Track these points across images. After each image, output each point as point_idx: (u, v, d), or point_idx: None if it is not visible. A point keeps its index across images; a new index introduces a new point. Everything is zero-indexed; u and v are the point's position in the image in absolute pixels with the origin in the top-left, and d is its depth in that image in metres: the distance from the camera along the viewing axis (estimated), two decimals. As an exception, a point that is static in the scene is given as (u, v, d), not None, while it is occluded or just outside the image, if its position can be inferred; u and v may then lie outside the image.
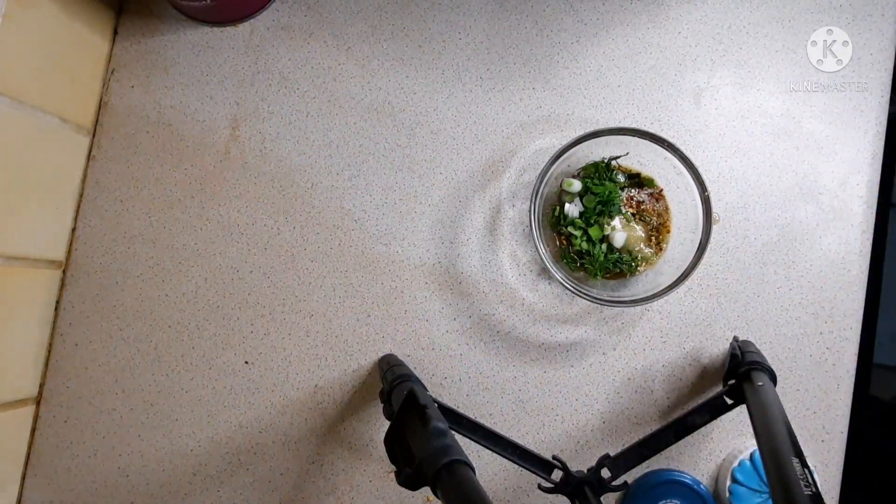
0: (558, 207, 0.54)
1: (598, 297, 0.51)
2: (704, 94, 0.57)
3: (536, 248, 0.51)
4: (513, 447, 0.48)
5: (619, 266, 0.53)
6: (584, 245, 0.53)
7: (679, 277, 0.50)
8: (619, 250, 0.53)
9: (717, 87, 0.57)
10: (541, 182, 0.51)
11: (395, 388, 0.48)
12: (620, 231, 0.53)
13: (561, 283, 0.51)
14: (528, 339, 0.57)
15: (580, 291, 0.51)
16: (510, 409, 0.56)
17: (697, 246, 0.50)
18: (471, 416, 0.48)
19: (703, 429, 0.49)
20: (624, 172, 0.54)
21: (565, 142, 0.51)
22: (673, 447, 0.49)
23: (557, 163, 0.51)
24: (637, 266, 0.53)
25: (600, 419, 0.56)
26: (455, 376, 0.57)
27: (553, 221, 0.55)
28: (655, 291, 0.50)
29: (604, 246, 0.53)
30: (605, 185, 0.53)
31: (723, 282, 0.56)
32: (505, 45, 0.59)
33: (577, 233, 0.53)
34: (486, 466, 0.55)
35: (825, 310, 0.55)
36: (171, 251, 0.58)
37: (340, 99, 0.59)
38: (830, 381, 0.55)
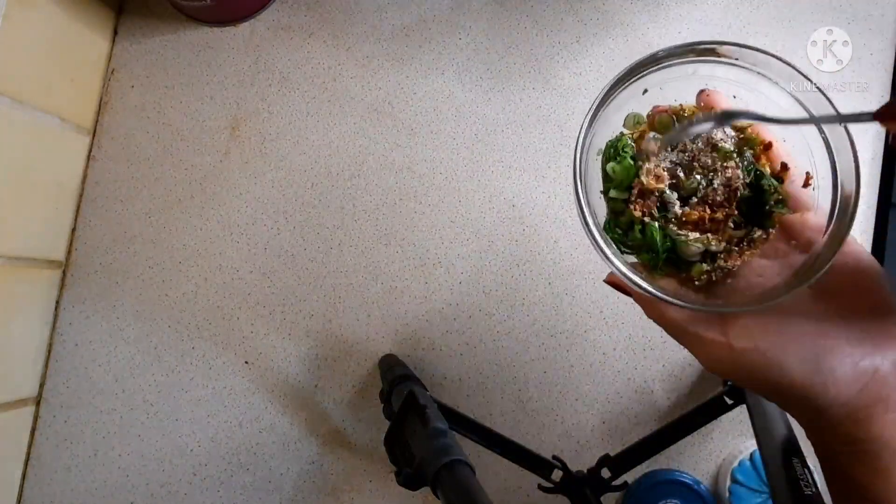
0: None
1: (677, 299, 0.30)
2: (704, 94, 0.57)
3: (583, 219, 0.31)
4: (513, 447, 0.48)
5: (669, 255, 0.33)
6: (614, 193, 0.34)
7: (810, 266, 0.30)
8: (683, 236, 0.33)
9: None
10: (590, 124, 0.32)
11: (395, 388, 0.48)
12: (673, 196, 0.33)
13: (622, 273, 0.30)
14: (528, 339, 0.57)
15: (643, 287, 0.30)
16: (510, 409, 0.56)
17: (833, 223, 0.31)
18: (471, 416, 0.48)
19: (703, 429, 0.49)
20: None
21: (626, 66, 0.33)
22: (673, 447, 0.49)
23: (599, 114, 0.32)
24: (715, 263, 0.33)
25: (600, 419, 0.56)
26: (455, 376, 0.57)
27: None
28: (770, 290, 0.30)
29: (657, 225, 0.33)
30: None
31: (723, 282, 0.56)
32: (505, 45, 0.59)
33: (616, 167, 0.34)
34: (486, 466, 0.55)
35: (825, 310, 0.55)
36: (171, 251, 0.58)
37: (340, 99, 0.59)
38: (830, 381, 0.55)
